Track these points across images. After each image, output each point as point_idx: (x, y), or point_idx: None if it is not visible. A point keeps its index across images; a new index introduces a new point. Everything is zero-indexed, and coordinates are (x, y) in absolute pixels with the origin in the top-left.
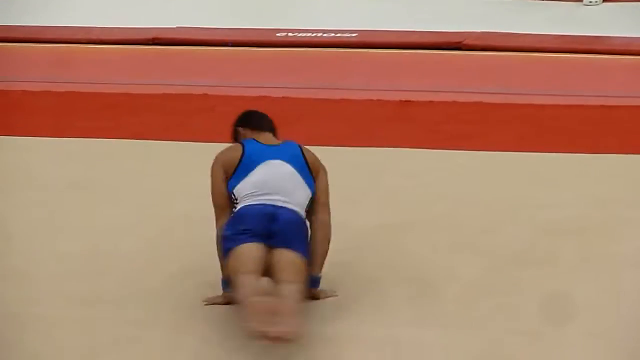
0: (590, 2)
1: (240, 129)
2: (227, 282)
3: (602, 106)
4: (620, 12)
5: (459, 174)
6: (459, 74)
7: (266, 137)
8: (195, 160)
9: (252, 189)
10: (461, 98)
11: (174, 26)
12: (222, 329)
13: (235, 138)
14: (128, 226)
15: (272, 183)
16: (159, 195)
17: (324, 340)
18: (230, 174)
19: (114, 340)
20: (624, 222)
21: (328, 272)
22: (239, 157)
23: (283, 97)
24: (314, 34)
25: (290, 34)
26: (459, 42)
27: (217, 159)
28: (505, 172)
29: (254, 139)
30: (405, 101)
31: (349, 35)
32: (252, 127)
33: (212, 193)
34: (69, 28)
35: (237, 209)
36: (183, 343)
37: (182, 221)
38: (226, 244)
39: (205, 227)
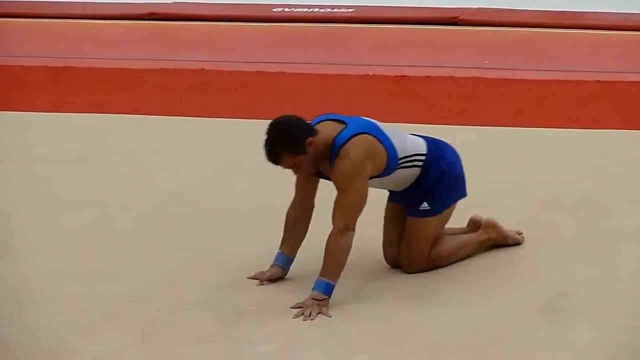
0: None
1: (310, 139)
2: None
3: (599, 82)
4: None
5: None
6: (455, 49)
7: (329, 125)
8: (191, 135)
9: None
10: (458, 73)
11: (170, 1)
12: (217, 304)
13: (303, 151)
14: (124, 201)
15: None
16: (155, 171)
17: (321, 318)
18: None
19: (111, 315)
20: (622, 198)
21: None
22: (385, 153)
23: (279, 72)
24: (311, 9)
25: (286, 9)
26: (456, 18)
27: (363, 171)
28: (502, 147)
29: (342, 130)
30: (402, 76)
31: (345, 10)
32: (314, 133)
33: (361, 203)
34: (65, 3)
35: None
36: (179, 318)
37: (179, 196)
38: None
39: (201, 202)
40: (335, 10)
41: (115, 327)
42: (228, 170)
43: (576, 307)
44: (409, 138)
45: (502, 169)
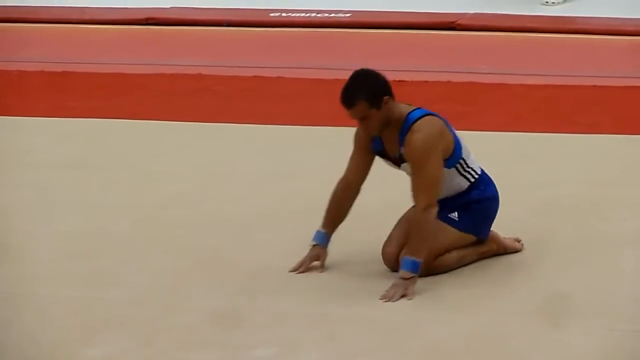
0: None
1: (388, 98)
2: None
3: (595, 86)
4: None
5: None
6: (452, 54)
7: (403, 105)
8: (189, 140)
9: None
10: (455, 78)
11: (168, 6)
12: (217, 308)
13: (378, 106)
14: (123, 205)
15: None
16: (153, 175)
17: (318, 319)
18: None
19: (110, 319)
20: (617, 202)
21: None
22: (450, 134)
23: (277, 77)
24: (308, 14)
25: (284, 14)
26: (453, 23)
27: (437, 146)
28: (499, 151)
29: (415, 108)
30: (399, 81)
31: (342, 15)
32: (393, 96)
33: (440, 177)
34: (63, 8)
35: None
36: (179, 322)
37: (177, 200)
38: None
39: (199, 206)
40: (332, 15)
41: (115, 331)
42: (226, 174)
43: (574, 311)
44: (471, 154)
45: (499, 173)
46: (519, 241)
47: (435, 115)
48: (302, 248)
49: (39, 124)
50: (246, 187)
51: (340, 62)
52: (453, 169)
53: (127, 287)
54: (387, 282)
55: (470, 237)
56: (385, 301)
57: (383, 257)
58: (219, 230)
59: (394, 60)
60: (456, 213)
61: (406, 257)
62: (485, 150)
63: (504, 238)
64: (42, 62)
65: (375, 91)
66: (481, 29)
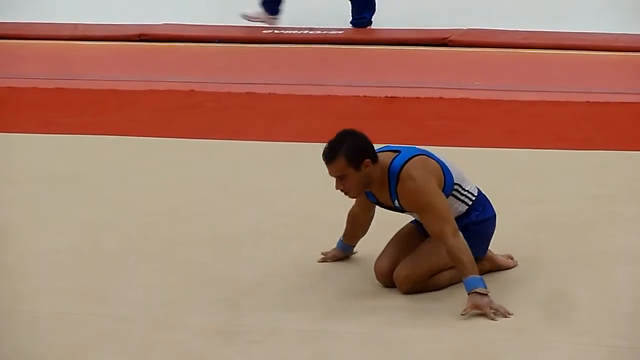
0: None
1: (368, 161)
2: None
3: (589, 102)
4: (606, 8)
5: None
6: (444, 70)
7: (383, 155)
8: (181, 156)
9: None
10: (447, 94)
11: (160, 23)
12: (207, 325)
13: (357, 166)
14: (114, 221)
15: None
16: (145, 191)
17: (310, 336)
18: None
19: (101, 335)
20: (612, 219)
21: (318, 267)
22: (442, 172)
23: (270, 94)
24: (300, 31)
25: (276, 31)
26: (445, 39)
27: (431, 183)
28: (492, 168)
29: (393, 157)
30: (391, 97)
31: (335, 32)
32: (374, 159)
33: (447, 205)
34: (55, 24)
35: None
36: (169, 338)
37: (168, 217)
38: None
39: (190, 222)
40: (325, 31)
41: (106, 347)
42: (218, 190)
43: (566, 327)
44: (465, 176)
45: (491, 189)
46: (511, 258)
47: (415, 154)
48: (295, 265)
49: (31, 140)
50: (238, 204)
51: (333, 79)
52: (450, 197)
53: (118, 303)
54: (379, 298)
55: None
56: (491, 319)
57: (375, 272)
58: (211, 247)
59: (386, 77)
60: None
61: (466, 280)
62: (478, 166)
63: (497, 255)
64: (34, 78)
65: (357, 151)
66: (473, 44)
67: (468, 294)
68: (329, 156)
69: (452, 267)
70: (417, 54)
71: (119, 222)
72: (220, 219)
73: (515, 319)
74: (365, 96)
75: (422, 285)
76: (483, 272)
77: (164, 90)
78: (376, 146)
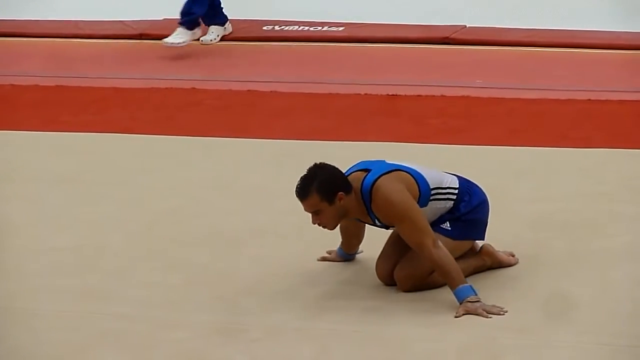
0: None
1: (342, 194)
2: None
3: (590, 100)
4: (608, 6)
5: (446, 168)
6: (446, 68)
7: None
8: (183, 154)
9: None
10: (449, 92)
11: (162, 18)
12: (208, 323)
13: (330, 200)
14: (115, 220)
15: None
16: (146, 189)
17: (310, 335)
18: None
19: (102, 334)
20: (612, 217)
21: (318, 266)
22: (414, 182)
23: (271, 92)
24: (301, 28)
25: (277, 28)
26: (447, 37)
27: (404, 197)
28: (492, 166)
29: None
30: (393, 95)
31: (336, 29)
32: (348, 191)
33: (423, 217)
34: (57, 22)
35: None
36: (170, 337)
37: (170, 215)
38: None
39: (192, 221)
40: (326, 29)
41: (107, 345)
42: (220, 189)
43: (566, 326)
44: (441, 172)
45: (492, 187)
46: (513, 255)
47: (384, 171)
48: (296, 263)
49: (32, 138)
50: (240, 202)
51: (334, 77)
52: (432, 202)
53: (119, 302)
54: (378, 298)
55: (467, 244)
56: (486, 317)
57: (377, 272)
58: (212, 246)
59: (387, 75)
60: (448, 223)
61: (455, 291)
62: (479, 164)
63: (498, 252)
64: (35, 76)
65: (329, 185)
66: (475, 42)
67: (460, 303)
68: (301, 193)
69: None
70: (419, 51)
71: (120, 220)
72: (221, 217)
73: (515, 317)
74: (366, 94)
75: (422, 283)
76: (484, 268)
77: (166, 88)
78: (372, 144)
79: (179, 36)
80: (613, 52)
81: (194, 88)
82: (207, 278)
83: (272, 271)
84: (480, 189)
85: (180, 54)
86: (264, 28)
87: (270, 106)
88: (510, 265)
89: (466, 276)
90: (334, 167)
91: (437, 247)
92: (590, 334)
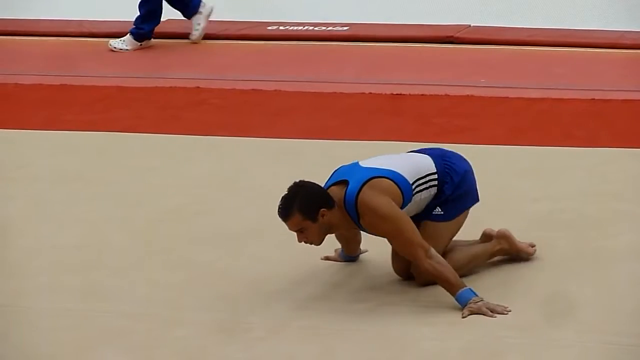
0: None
1: (324, 210)
2: None
3: (594, 100)
4: (611, 5)
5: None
6: (450, 67)
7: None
8: (187, 153)
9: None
10: (453, 92)
11: (165, 19)
12: (211, 321)
13: (313, 218)
14: (119, 218)
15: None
16: (149, 189)
17: (314, 334)
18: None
19: (103, 332)
20: (617, 216)
21: (321, 265)
22: (395, 184)
23: (275, 91)
24: (305, 27)
25: (281, 27)
26: (451, 36)
27: (390, 207)
28: (497, 165)
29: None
30: (397, 94)
31: (340, 28)
32: (330, 206)
33: (413, 227)
34: (60, 21)
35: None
36: (175, 335)
37: (174, 214)
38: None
39: (196, 219)
40: (330, 28)
41: (111, 344)
42: (222, 188)
43: (569, 325)
44: (416, 159)
45: (497, 187)
46: (533, 246)
47: (363, 180)
48: (299, 262)
49: (36, 137)
50: (244, 201)
51: (338, 76)
52: (416, 195)
53: (124, 300)
54: (384, 296)
55: (463, 217)
56: (490, 317)
57: (393, 267)
58: (215, 244)
59: (391, 74)
60: (438, 208)
61: (456, 297)
62: (483, 163)
63: (519, 242)
64: (39, 75)
65: (311, 204)
66: (479, 42)
67: (463, 308)
68: (284, 214)
69: (460, 245)
70: (423, 51)
71: (123, 219)
72: (224, 216)
73: (519, 316)
74: (370, 93)
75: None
76: (501, 253)
77: (169, 87)
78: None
79: (125, 43)
80: (617, 52)
81: (198, 87)
82: (210, 276)
83: (275, 270)
84: (458, 158)
85: (184, 53)
86: (269, 28)
87: (274, 105)
88: (528, 255)
89: (482, 264)
90: (314, 183)
91: (430, 257)
92: (594, 333)
